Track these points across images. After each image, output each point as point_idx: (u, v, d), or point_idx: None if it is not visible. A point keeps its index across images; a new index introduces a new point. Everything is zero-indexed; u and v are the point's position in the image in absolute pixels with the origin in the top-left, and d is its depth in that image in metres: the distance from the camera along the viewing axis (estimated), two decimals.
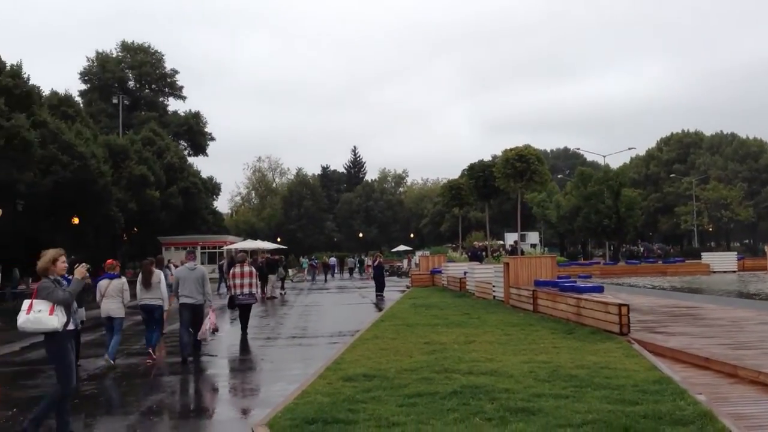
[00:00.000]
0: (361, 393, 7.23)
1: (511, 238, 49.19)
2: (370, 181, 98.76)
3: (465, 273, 24.49)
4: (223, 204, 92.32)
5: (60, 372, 6.70)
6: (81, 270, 6.93)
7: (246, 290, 14.83)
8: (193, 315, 11.86)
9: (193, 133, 71.23)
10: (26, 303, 6.58)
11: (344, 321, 17.46)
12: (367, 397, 7.03)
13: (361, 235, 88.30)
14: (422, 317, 15.36)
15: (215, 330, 12.20)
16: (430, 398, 6.93)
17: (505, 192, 25.81)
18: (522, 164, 20.66)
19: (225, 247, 48.61)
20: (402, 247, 69.01)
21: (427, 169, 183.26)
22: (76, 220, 39.96)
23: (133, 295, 12.10)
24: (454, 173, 77.91)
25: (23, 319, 6.50)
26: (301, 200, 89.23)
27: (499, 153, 53.01)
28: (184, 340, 11.54)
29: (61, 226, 41.82)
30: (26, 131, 30.24)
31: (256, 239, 58.72)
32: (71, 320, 6.81)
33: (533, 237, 56.70)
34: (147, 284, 11.90)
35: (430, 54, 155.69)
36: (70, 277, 7.21)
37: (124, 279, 11.52)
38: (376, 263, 27.80)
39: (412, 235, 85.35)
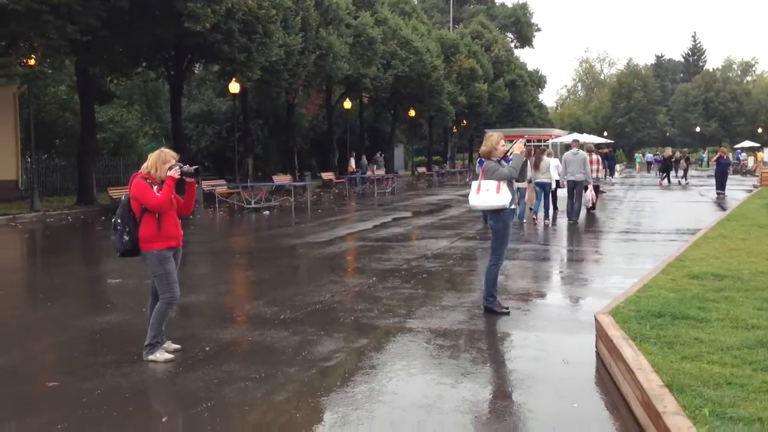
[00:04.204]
0: (711, 292, 6.74)
1: None
2: (711, 70, 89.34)
3: None
4: (548, 97, 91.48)
5: (497, 244, 7.07)
6: (519, 145, 7.01)
7: (594, 175, 17.51)
8: (576, 188, 15.42)
9: (520, 24, 70.77)
10: (475, 184, 7.02)
11: (681, 218, 16.39)
12: (719, 297, 6.54)
13: (698, 129, 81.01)
14: None
15: (593, 204, 16.60)
16: None
17: None
18: None
19: (551, 141, 48.24)
20: (747, 143, 61.86)
21: None
22: (412, 113, 42.79)
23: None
24: None
25: (475, 199, 6.99)
26: (631, 92, 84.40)
27: None
28: (572, 207, 15.45)
29: (399, 118, 45.25)
30: (370, 28, 32.77)
31: (581, 133, 57.24)
32: (513, 199, 7.04)
33: None
34: (537, 167, 15.13)
35: None
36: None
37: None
38: (719, 159, 25.25)
39: (759, 130, 75.93)
